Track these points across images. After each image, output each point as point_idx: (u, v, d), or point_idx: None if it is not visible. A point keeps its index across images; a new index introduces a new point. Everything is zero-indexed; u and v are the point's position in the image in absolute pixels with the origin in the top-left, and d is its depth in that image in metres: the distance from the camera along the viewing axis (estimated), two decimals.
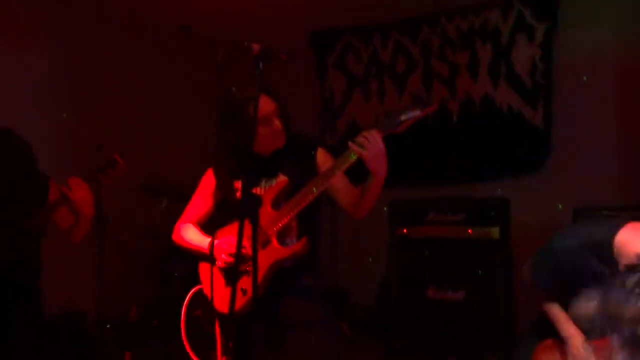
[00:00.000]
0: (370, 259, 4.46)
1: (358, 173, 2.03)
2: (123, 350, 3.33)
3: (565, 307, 1.99)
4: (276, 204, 2.07)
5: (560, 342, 1.93)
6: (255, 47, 1.73)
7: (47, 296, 2.49)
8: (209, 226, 2.27)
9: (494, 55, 4.23)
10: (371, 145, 1.87)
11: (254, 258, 1.62)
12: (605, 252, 1.83)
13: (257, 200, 1.69)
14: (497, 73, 4.22)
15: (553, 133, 3.97)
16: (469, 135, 4.26)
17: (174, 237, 2.30)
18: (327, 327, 2.12)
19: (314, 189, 1.97)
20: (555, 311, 1.99)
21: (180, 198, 2.54)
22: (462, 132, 4.29)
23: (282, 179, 2.10)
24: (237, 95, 2.08)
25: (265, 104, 2.01)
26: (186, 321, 3.37)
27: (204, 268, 2.21)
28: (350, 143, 1.91)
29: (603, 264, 1.83)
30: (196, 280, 3.30)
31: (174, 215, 2.43)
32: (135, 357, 3.32)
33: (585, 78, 3.85)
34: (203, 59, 4.88)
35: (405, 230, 3.56)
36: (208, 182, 2.26)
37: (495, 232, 3.29)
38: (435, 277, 3.39)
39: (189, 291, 3.41)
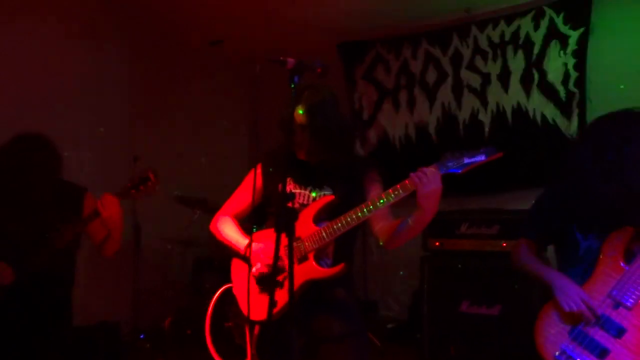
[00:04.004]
0: (401, 272, 4.41)
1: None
2: (156, 358, 3.37)
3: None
4: (318, 218, 2.04)
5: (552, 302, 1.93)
6: (291, 61, 1.73)
7: (82, 305, 2.53)
8: (248, 222, 2.24)
9: (526, 65, 4.18)
10: (429, 182, 1.81)
11: (290, 272, 1.61)
12: None
13: (293, 215, 1.69)
14: (529, 82, 4.16)
15: None
16: (501, 146, 4.17)
17: (212, 227, 2.28)
18: (360, 339, 2.10)
19: (359, 214, 1.92)
20: (529, 255, 2.08)
21: (212, 210, 2.56)
22: (494, 143, 4.21)
23: (329, 193, 2.08)
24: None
25: (297, 116, 2.00)
26: (214, 324, 3.36)
27: (236, 266, 2.18)
28: (411, 175, 1.83)
29: None
30: (228, 291, 3.28)
31: (206, 227, 2.45)
32: None
33: (622, 87, 3.76)
34: (238, 75, 4.98)
35: (438, 244, 3.50)
36: (254, 177, 2.20)
37: None
38: (469, 292, 3.32)
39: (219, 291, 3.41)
